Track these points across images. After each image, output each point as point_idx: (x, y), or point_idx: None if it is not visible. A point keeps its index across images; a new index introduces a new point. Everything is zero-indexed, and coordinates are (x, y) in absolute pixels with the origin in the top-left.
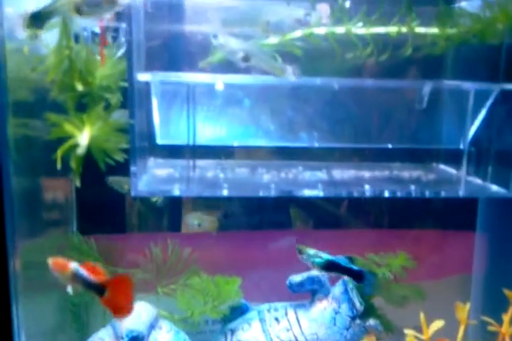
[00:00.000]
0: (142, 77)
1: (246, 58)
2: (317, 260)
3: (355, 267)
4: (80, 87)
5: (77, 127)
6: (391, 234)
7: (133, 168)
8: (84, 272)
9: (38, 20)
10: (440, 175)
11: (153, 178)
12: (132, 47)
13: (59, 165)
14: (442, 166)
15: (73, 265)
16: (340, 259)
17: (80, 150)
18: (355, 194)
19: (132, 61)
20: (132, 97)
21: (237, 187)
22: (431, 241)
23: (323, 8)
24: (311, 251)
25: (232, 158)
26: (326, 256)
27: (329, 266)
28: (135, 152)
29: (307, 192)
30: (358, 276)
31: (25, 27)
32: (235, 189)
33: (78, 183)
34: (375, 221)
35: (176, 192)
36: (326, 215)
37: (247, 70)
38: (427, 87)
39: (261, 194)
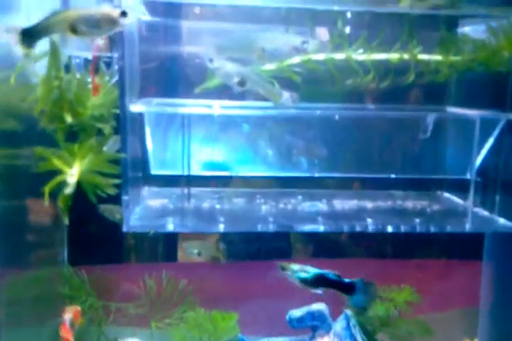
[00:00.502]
0: (135, 108)
1: (242, 82)
2: (303, 275)
3: (345, 279)
4: (69, 119)
5: (66, 162)
6: (394, 264)
7: (125, 200)
8: None
9: (29, 37)
10: (445, 205)
11: (146, 210)
12: (125, 75)
13: (46, 202)
14: (447, 195)
15: None
16: (329, 273)
17: (68, 190)
18: (357, 228)
19: (125, 90)
20: (124, 128)
21: (233, 220)
22: (435, 272)
23: (322, 33)
24: (296, 267)
25: (229, 186)
26: (312, 270)
27: (317, 281)
28: (127, 183)
29: (307, 227)
30: (348, 288)
31: (15, 43)
32: (231, 223)
33: (67, 221)
34: (377, 250)
35: (170, 227)
36: (327, 244)
37: (244, 96)
38: (431, 117)
39: (259, 229)
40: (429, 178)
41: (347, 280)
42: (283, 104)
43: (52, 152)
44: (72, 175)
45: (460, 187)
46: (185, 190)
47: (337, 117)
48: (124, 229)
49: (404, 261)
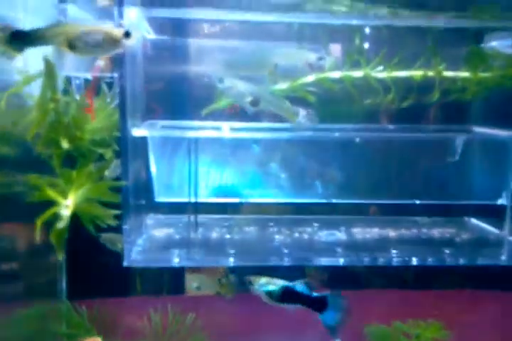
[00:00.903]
0: (137, 132)
1: (255, 102)
2: (270, 288)
3: (315, 294)
4: (66, 144)
5: (61, 192)
6: (419, 296)
7: (126, 230)
8: None
9: (19, 40)
10: (475, 233)
11: (149, 242)
12: (126, 96)
13: (37, 237)
14: (474, 221)
15: None
16: (298, 286)
17: (61, 224)
18: (381, 261)
19: (125, 112)
20: (126, 153)
21: (244, 253)
22: (465, 304)
23: (336, 49)
24: (263, 280)
25: (240, 212)
26: (281, 283)
27: (285, 295)
28: (128, 213)
29: (325, 260)
30: (318, 303)
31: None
32: (242, 256)
33: (61, 257)
34: (399, 279)
35: (176, 261)
36: (344, 273)
37: (255, 117)
38: (460, 139)
39: (273, 262)
40: (456, 204)
41: (316, 294)
42: (300, 123)
43: (48, 181)
44: (66, 206)
45: (489, 213)
46: (192, 219)
47: (357, 140)
48: (125, 263)
49: (429, 291)
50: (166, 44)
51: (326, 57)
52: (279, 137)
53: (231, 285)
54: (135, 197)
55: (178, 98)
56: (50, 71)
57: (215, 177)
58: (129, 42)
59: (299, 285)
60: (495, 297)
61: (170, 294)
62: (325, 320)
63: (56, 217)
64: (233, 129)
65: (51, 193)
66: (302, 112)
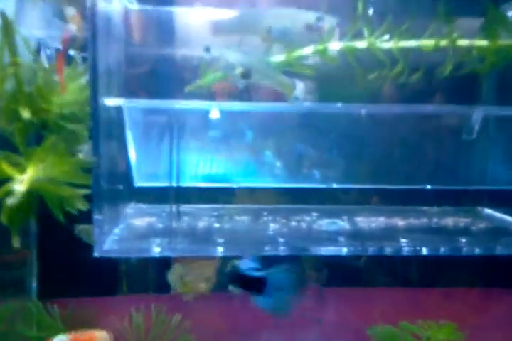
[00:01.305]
0: (111, 101)
1: (246, 74)
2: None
3: (256, 273)
4: (26, 115)
5: (20, 166)
6: (430, 294)
7: (97, 218)
8: None
9: None
10: (491, 222)
11: (128, 231)
12: (97, 67)
13: None
14: (488, 211)
15: None
16: (245, 263)
17: (12, 200)
18: (389, 251)
19: (97, 81)
20: (96, 128)
21: (235, 242)
22: (480, 303)
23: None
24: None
25: (232, 202)
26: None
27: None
28: (100, 197)
29: (326, 250)
30: (255, 285)
31: None
32: (232, 245)
33: (16, 243)
34: (406, 276)
35: (156, 250)
36: (345, 269)
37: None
38: (478, 114)
39: (267, 251)
40: (469, 191)
41: (258, 274)
42: (297, 98)
43: (7, 157)
44: (20, 181)
45: (505, 203)
46: (174, 206)
47: (363, 113)
48: (96, 253)
49: (440, 289)
50: (152, 15)
51: (326, 18)
52: (273, 110)
53: (191, 284)
54: (110, 181)
55: (165, 77)
56: (7, 27)
57: (205, 161)
58: None
59: (247, 263)
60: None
61: (154, 293)
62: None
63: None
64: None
65: (5, 168)
66: (299, 85)
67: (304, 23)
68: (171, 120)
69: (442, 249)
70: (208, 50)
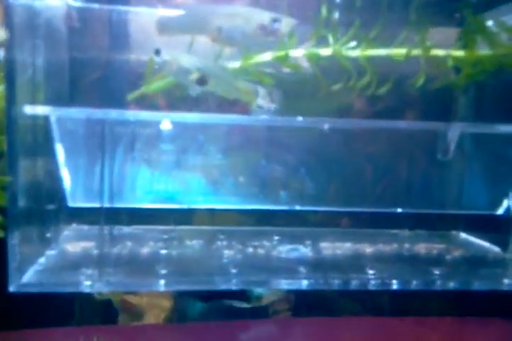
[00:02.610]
0: (32, 109)
1: (202, 80)
2: None
3: None
4: None
5: None
6: (398, 323)
7: (12, 245)
8: None
9: None
10: (468, 249)
11: (56, 260)
12: (14, 65)
13: None
14: (464, 235)
15: None
16: None
17: None
18: (354, 285)
19: (13, 86)
20: (12, 140)
21: (180, 273)
22: (454, 333)
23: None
24: None
25: (185, 223)
26: None
27: None
28: (17, 220)
29: (284, 283)
30: None
31: None
32: (177, 277)
33: None
34: (377, 305)
35: (86, 284)
36: (312, 297)
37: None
38: (454, 131)
39: (216, 286)
40: (443, 214)
41: None
42: (261, 106)
43: None
44: None
45: (481, 227)
46: (107, 228)
47: (326, 128)
48: (11, 287)
49: (408, 318)
50: (97, 14)
51: (283, 19)
52: (231, 123)
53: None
54: (35, 201)
55: (116, 82)
56: None
57: (152, 178)
58: None
59: None
60: (494, 325)
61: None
62: None
63: None
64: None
65: None
66: (262, 91)
67: (257, 23)
68: (103, 131)
69: (414, 283)
70: (158, 52)
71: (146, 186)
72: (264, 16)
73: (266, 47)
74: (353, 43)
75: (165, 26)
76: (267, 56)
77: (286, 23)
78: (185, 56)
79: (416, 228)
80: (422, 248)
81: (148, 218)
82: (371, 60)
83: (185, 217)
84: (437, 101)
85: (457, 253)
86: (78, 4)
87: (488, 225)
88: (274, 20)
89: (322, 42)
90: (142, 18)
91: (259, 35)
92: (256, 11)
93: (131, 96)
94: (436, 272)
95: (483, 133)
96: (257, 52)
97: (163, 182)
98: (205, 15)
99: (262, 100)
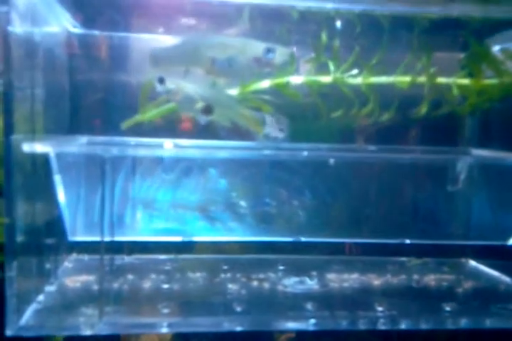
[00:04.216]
0: (30, 147)
1: (207, 109)
2: None
3: None
4: None
5: None
6: None
7: (10, 286)
8: None
9: None
10: (479, 280)
11: (55, 297)
12: (12, 95)
13: None
14: (474, 263)
15: None
16: None
17: None
18: (362, 325)
19: (11, 119)
20: (9, 176)
21: (184, 312)
22: None
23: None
24: None
25: (188, 251)
26: None
27: None
28: (14, 256)
29: (290, 325)
30: None
31: None
32: (180, 317)
33: None
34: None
35: (85, 328)
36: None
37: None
38: (464, 163)
39: (222, 328)
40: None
41: None
42: (268, 136)
43: None
44: None
45: (491, 254)
46: (108, 263)
47: (332, 162)
48: (9, 332)
49: None
50: (97, 40)
51: (278, 49)
52: (232, 156)
53: None
54: (34, 235)
55: (117, 107)
56: None
57: (155, 209)
58: None
59: None
60: None
61: None
62: None
63: None
64: (178, 147)
65: None
66: (269, 120)
67: (252, 56)
68: (103, 167)
69: (425, 322)
70: (161, 81)
71: (146, 218)
72: (257, 47)
73: (261, 77)
74: (355, 71)
75: (158, 59)
76: (264, 84)
77: (280, 53)
78: (189, 84)
79: (424, 255)
80: (431, 279)
81: (149, 247)
82: (373, 87)
83: (186, 245)
84: (442, 125)
85: (467, 285)
86: (78, 31)
87: (497, 253)
88: (268, 51)
89: (322, 68)
90: (143, 44)
91: (254, 66)
92: (249, 41)
93: (125, 124)
94: (447, 308)
95: (494, 163)
96: (252, 82)
97: (165, 215)
98: (197, 46)
99: (269, 128)
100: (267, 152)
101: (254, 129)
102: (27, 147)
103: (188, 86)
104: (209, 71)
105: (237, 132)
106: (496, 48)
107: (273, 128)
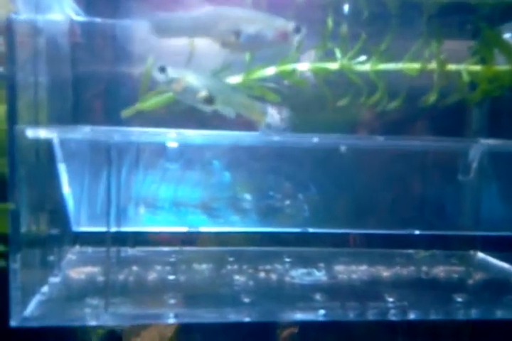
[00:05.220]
0: (34, 133)
1: (210, 99)
2: None
3: None
4: None
5: None
6: None
7: (13, 277)
8: None
9: None
10: (488, 272)
11: (59, 288)
12: (15, 83)
13: None
14: (482, 255)
15: None
16: None
17: None
18: (372, 315)
19: (15, 107)
20: (14, 163)
21: (190, 304)
22: None
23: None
24: None
25: (193, 243)
26: None
27: None
28: (18, 247)
29: (299, 316)
30: None
31: None
32: (186, 308)
33: None
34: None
35: (91, 318)
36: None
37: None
38: (477, 150)
39: (229, 319)
40: (460, 234)
41: None
42: (270, 126)
43: None
44: None
45: (499, 246)
46: (114, 254)
47: (343, 150)
48: (13, 323)
49: None
50: (101, 28)
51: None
52: (237, 144)
53: None
54: (37, 225)
55: (121, 96)
56: None
57: (159, 200)
58: None
59: None
60: None
61: None
62: None
63: None
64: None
65: None
66: (272, 111)
67: (279, 30)
68: (108, 153)
69: (435, 313)
70: (163, 70)
71: (151, 209)
72: (285, 24)
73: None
74: (362, 57)
75: (163, 28)
76: (270, 70)
77: (300, 37)
78: (191, 74)
79: (432, 248)
80: (440, 271)
81: (154, 239)
82: (381, 74)
83: (191, 237)
84: (450, 115)
85: (477, 276)
86: (81, 19)
87: (505, 245)
88: (297, 29)
89: (329, 55)
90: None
91: (278, 42)
92: (274, 16)
93: (125, 113)
94: (459, 299)
95: (505, 152)
96: (257, 69)
97: (172, 205)
98: (217, 18)
99: (271, 119)
100: (276, 138)
101: (256, 119)
102: (31, 133)
103: (190, 75)
104: (228, 44)
105: (240, 122)
106: (507, 35)
107: (275, 118)
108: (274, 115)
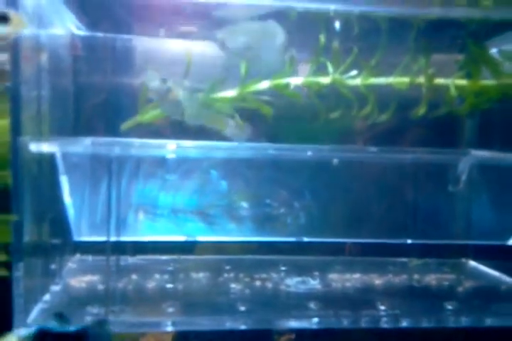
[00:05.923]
0: (37, 147)
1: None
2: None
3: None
4: None
5: None
6: None
7: (16, 285)
8: None
9: None
10: (479, 280)
11: (61, 296)
12: (19, 97)
13: None
14: (473, 263)
15: None
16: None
17: None
18: (365, 323)
19: (18, 120)
20: (17, 177)
21: (188, 312)
22: None
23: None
24: None
25: (190, 252)
26: None
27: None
28: (20, 256)
29: (294, 323)
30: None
31: None
32: (185, 317)
33: None
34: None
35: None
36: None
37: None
38: (466, 163)
39: (224, 327)
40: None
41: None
42: (234, 136)
43: None
44: None
45: (491, 254)
46: (114, 263)
47: (335, 162)
48: (16, 328)
49: None
50: (102, 42)
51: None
52: (232, 156)
53: None
54: (39, 235)
55: (122, 108)
56: None
57: (158, 208)
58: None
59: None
60: None
61: None
62: None
63: None
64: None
65: None
66: (231, 123)
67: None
68: (109, 166)
69: (427, 321)
70: (164, 83)
71: (150, 218)
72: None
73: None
74: (354, 72)
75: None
76: (264, 84)
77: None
78: (179, 87)
79: (425, 256)
80: (432, 279)
81: (153, 247)
82: (372, 88)
83: (188, 246)
84: (441, 127)
85: (469, 284)
86: (82, 33)
87: (496, 253)
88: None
89: (321, 69)
90: (145, 45)
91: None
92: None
93: (125, 125)
94: (450, 307)
95: (495, 164)
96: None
97: (170, 214)
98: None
99: (230, 130)
100: (271, 151)
101: (218, 126)
102: (34, 147)
103: (179, 89)
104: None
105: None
106: (494, 50)
107: (233, 130)
108: (232, 127)
